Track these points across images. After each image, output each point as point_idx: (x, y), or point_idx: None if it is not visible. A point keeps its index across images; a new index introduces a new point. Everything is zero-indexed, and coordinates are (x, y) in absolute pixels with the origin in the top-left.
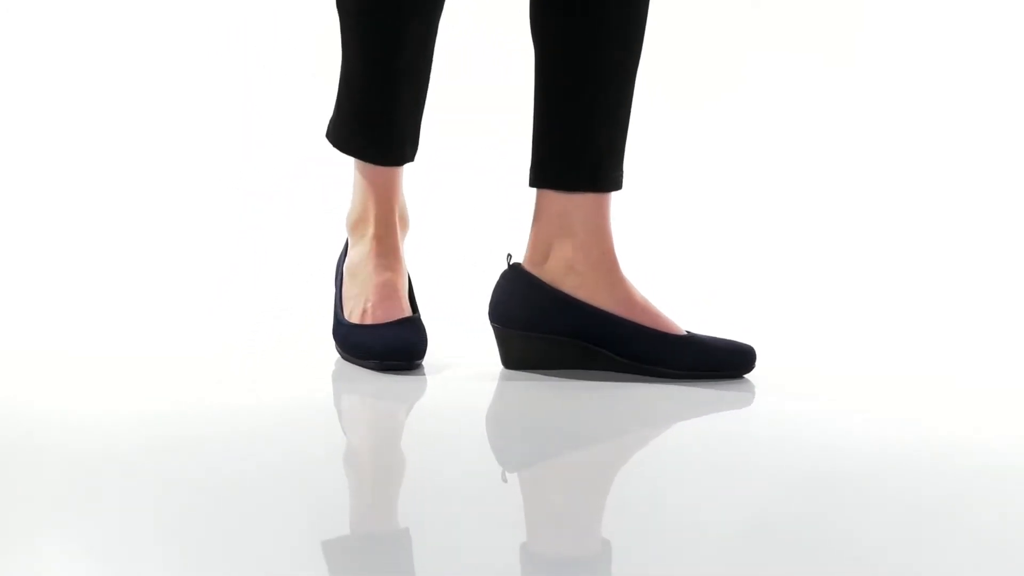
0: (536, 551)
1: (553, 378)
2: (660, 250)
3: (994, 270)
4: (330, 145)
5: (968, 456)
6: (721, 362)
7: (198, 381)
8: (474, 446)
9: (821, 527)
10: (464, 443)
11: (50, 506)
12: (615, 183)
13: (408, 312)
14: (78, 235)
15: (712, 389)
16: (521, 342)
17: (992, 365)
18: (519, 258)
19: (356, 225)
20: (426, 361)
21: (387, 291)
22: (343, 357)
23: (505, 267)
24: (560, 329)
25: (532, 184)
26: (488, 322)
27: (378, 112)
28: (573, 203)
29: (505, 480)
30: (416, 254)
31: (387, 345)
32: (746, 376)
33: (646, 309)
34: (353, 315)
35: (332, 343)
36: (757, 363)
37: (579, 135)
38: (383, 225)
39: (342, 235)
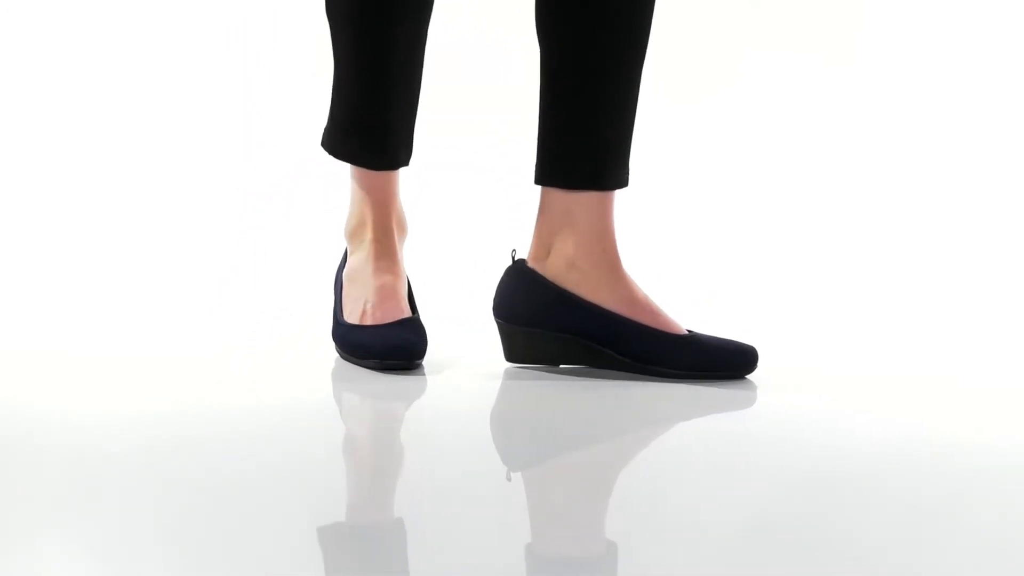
0: (538, 551)
1: (553, 378)
2: (660, 249)
3: (995, 270)
4: (326, 153)
5: (969, 456)
6: (721, 362)
7: (198, 381)
8: (474, 446)
9: (822, 527)
10: (464, 443)
11: (50, 506)
12: (619, 182)
13: (408, 313)
14: (78, 235)
15: (713, 389)
16: (524, 338)
17: (994, 365)
18: (523, 254)
19: (354, 232)
20: (426, 361)
21: (386, 292)
22: (343, 357)
23: (509, 263)
24: (562, 326)
25: (537, 182)
26: (489, 320)
27: (370, 117)
28: (576, 201)
29: (509, 479)
30: (416, 254)
31: (387, 345)
32: (747, 376)
33: (647, 308)
34: (352, 317)
35: (332, 343)
36: (759, 363)
37: (582, 134)
38: (381, 230)
39: (342, 235)
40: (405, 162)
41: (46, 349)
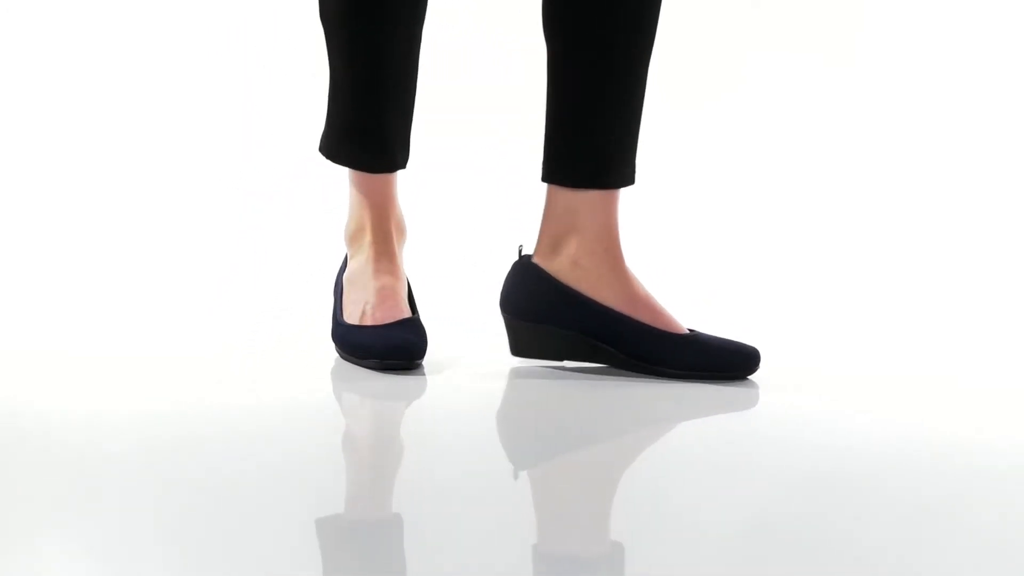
0: (540, 551)
1: (554, 378)
2: (661, 249)
3: (995, 270)
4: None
5: (970, 456)
6: (722, 362)
7: (198, 381)
8: (474, 446)
9: (822, 527)
10: (464, 443)
11: (50, 506)
12: (622, 180)
13: (408, 313)
14: (78, 235)
15: (714, 389)
16: (529, 333)
17: (994, 366)
18: (531, 250)
19: (354, 236)
20: (426, 361)
21: (386, 293)
22: (343, 357)
23: (516, 259)
24: (564, 323)
25: (543, 179)
26: (489, 320)
27: (367, 120)
28: (579, 199)
29: (516, 477)
30: (416, 254)
31: (387, 345)
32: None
33: (648, 306)
34: (352, 318)
35: (332, 344)
36: (760, 365)
37: (584, 133)
38: (380, 233)
39: (342, 235)
40: (402, 165)
41: (46, 349)
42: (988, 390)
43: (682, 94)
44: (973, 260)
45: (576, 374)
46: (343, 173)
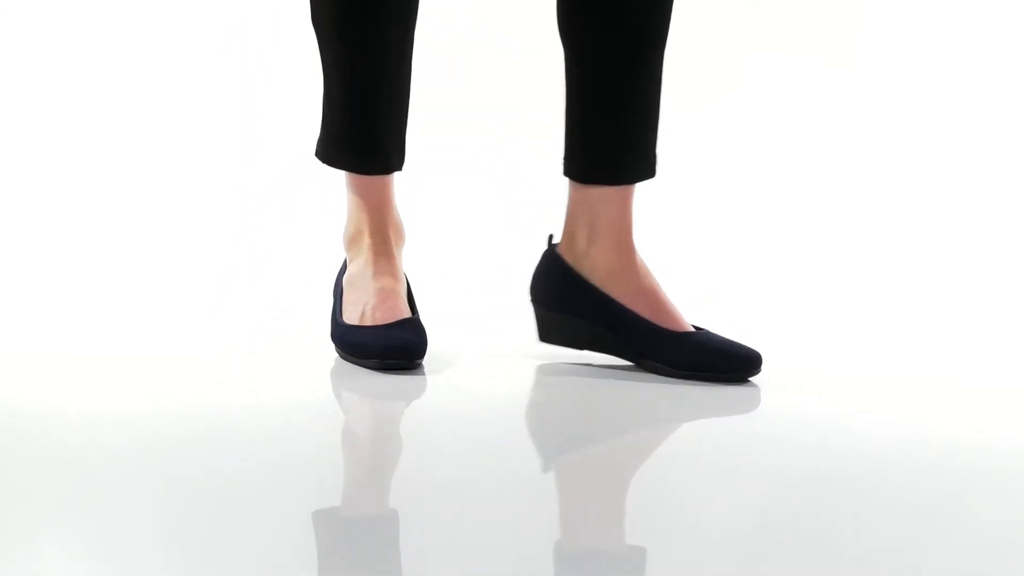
0: (537, 552)
1: (554, 377)
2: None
3: (995, 270)
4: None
5: (970, 456)
6: (719, 363)
7: (198, 381)
8: (474, 446)
9: (823, 527)
10: (464, 443)
11: (50, 506)
12: (632, 176)
13: (407, 313)
14: (78, 235)
15: (713, 389)
16: (553, 321)
17: (994, 366)
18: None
19: (352, 240)
20: (426, 361)
21: (386, 293)
22: (343, 357)
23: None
24: (578, 312)
25: (563, 174)
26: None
27: (360, 123)
28: (591, 193)
29: (545, 471)
30: (415, 254)
31: (387, 344)
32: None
33: (651, 301)
34: (352, 319)
35: (332, 344)
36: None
37: (593, 132)
38: (379, 236)
39: (340, 239)
40: (398, 167)
41: (46, 349)
42: (988, 390)
43: (682, 94)
44: (973, 260)
45: (577, 374)
46: (342, 174)
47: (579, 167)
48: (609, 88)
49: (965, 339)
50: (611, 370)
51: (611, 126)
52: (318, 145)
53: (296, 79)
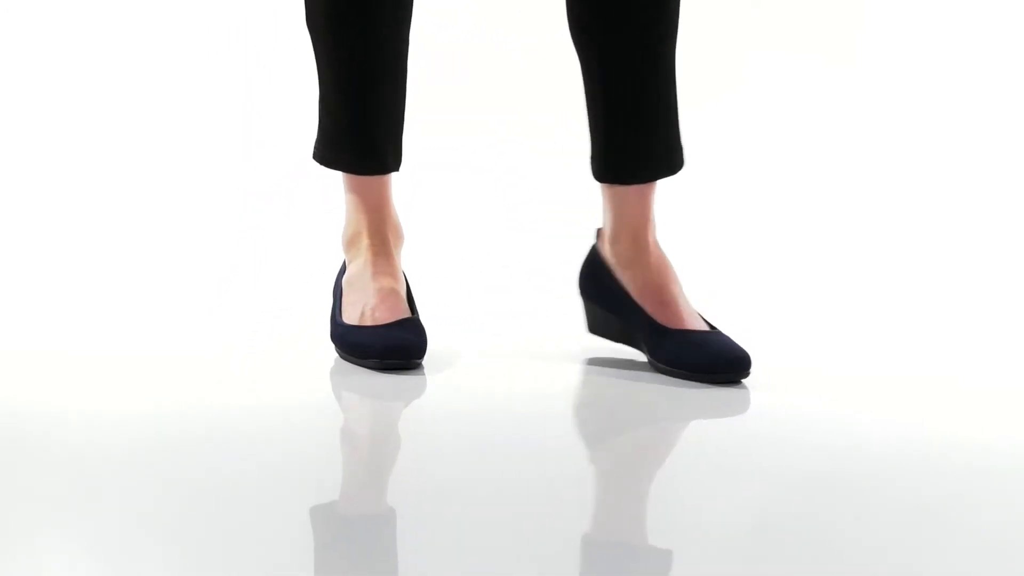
0: (537, 552)
1: (555, 377)
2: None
3: (994, 270)
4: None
5: (970, 456)
6: (698, 363)
7: (198, 381)
8: (474, 446)
9: (822, 527)
10: (464, 443)
11: (50, 506)
12: (639, 176)
13: (407, 313)
14: (78, 235)
15: (714, 389)
16: (596, 312)
17: (994, 365)
18: None
19: (351, 242)
20: (426, 361)
21: (385, 293)
22: (343, 357)
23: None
24: (607, 306)
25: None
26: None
27: (355, 124)
28: (614, 191)
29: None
30: (415, 254)
31: (387, 344)
32: (747, 376)
33: (656, 296)
34: (352, 319)
35: (332, 343)
36: (755, 368)
37: (600, 134)
38: (377, 237)
39: (340, 246)
40: (395, 167)
41: (46, 349)
42: (988, 390)
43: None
44: (973, 260)
45: (578, 373)
46: (340, 175)
47: (596, 167)
48: (612, 90)
49: (965, 339)
50: (612, 369)
51: (617, 127)
52: (315, 147)
53: (296, 79)
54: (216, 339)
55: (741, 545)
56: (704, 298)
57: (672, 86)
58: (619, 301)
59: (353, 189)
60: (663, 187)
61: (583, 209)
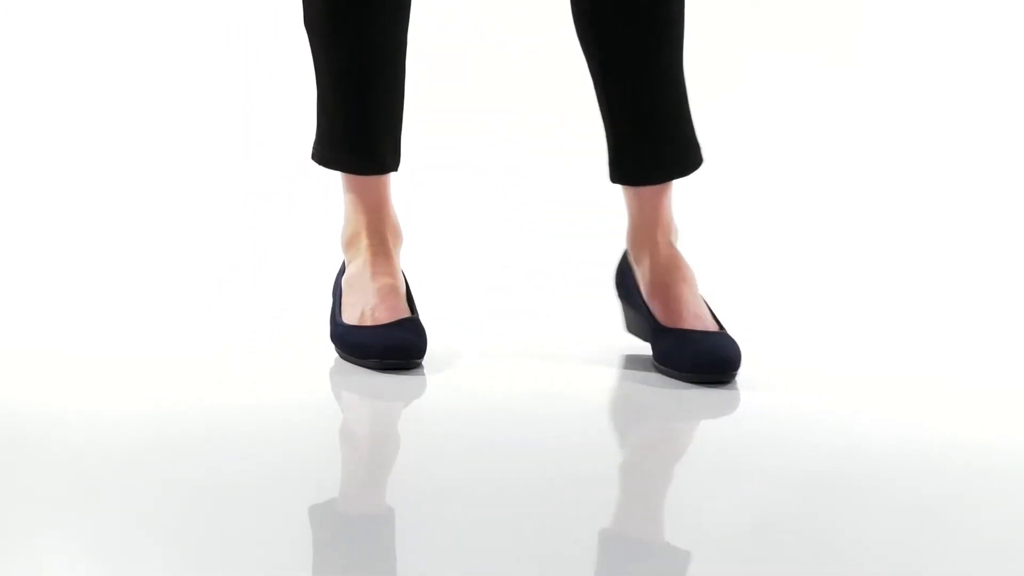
0: (537, 552)
1: (555, 377)
2: None
3: (994, 270)
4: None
5: (970, 456)
6: (680, 362)
7: (198, 381)
8: (473, 446)
9: (823, 527)
10: (464, 443)
11: (50, 506)
12: (648, 178)
13: (407, 313)
14: (78, 235)
15: (714, 390)
16: (628, 311)
17: (994, 365)
18: None
19: (350, 242)
20: (426, 360)
21: (385, 293)
22: (342, 357)
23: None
24: (632, 304)
25: None
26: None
27: (354, 123)
28: (627, 191)
29: (544, 472)
30: (415, 254)
31: (387, 344)
32: (747, 376)
33: (660, 294)
34: (352, 319)
35: (332, 343)
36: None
37: (611, 136)
38: (376, 237)
39: (339, 247)
40: (393, 167)
41: (46, 349)
42: (988, 390)
43: None
44: (973, 260)
45: (578, 373)
46: (340, 175)
47: (611, 170)
48: (613, 94)
49: (965, 339)
50: (613, 369)
51: (622, 130)
52: (314, 147)
53: (296, 79)
54: (216, 339)
55: (741, 545)
56: (703, 297)
57: (677, 88)
58: (638, 300)
59: (352, 189)
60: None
61: (583, 209)
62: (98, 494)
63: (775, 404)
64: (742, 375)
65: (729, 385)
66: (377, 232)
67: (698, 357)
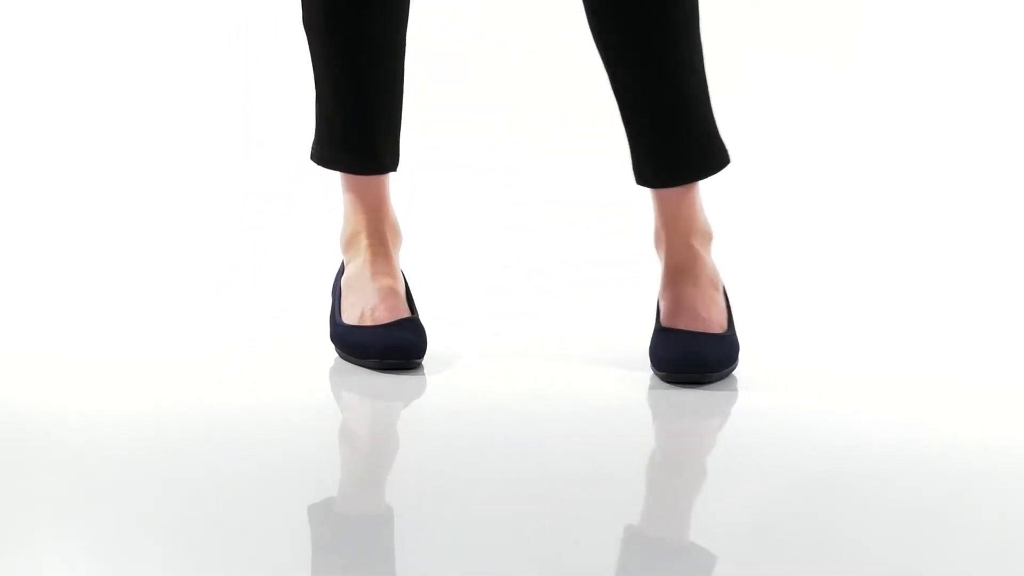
0: (537, 552)
1: (556, 377)
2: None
3: (995, 270)
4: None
5: (970, 456)
6: (660, 362)
7: (198, 381)
8: (473, 446)
9: (823, 527)
10: (464, 443)
11: (50, 506)
12: (664, 181)
13: (407, 313)
14: (78, 235)
15: (714, 390)
16: None
17: (994, 365)
18: None
19: (350, 242)
20: (426, 361)
21: (385, 293)
22: (342, 357)
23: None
24: None
25: None
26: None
27: (353, 123)
28: (651, 194)
29: (544, 472)
30: (415, 254)
31: (387, 344)
32: (747, 376)
33: (670, 296)
34: (351, 319)
35: (332, 343)
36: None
37: (628, 135)
38: (376, 237)
39: (337, 242)
40: (392, 167)
41: (46, 349)
42: (988, 390)
43: None
44: (973, 260)
45: (579, 374)
46: (339, 175)
47: (634, 172)
48: (623, 97)
49: (965, 339)
50: (613, 369)
51: (636, 131)
52: (312, 148)
53: (296, 79)
54: (216, 339)
55: (741, 545)
56: (724, 300)
57: (689, 91)
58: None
59: (351, 189)
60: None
61: (583, 209)
62: (98, 494)
63: (775, 404)
64: (742, 375)
65: (729, 385)
66: (377, 232)
67: (673, 356)
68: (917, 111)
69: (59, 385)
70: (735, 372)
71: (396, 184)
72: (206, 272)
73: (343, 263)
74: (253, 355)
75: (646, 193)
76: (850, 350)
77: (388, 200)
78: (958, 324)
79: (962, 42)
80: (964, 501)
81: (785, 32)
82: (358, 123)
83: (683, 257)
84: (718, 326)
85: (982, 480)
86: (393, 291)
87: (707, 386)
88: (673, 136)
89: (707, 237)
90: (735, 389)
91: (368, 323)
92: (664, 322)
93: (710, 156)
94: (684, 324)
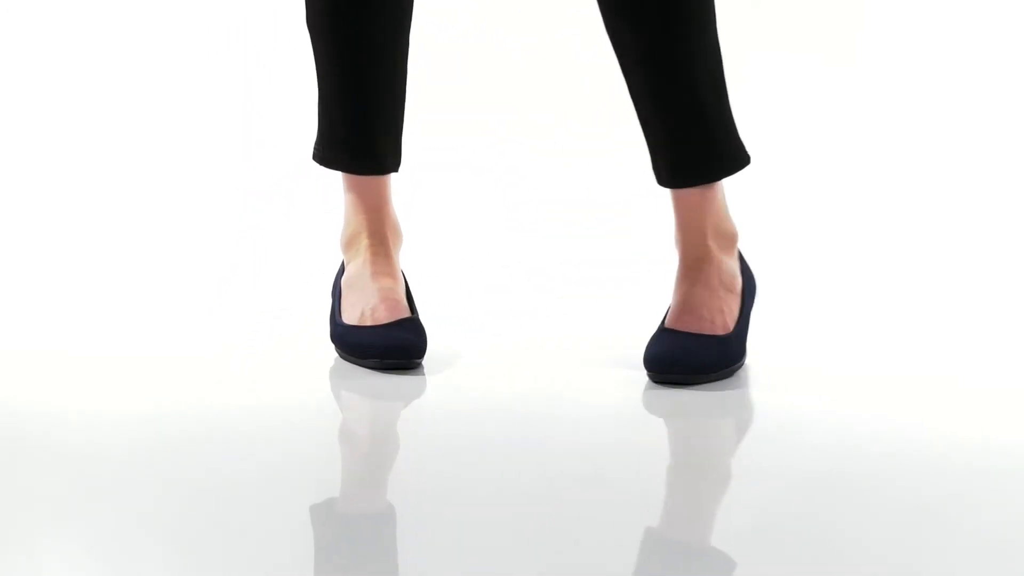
0: (537, 552)
1: (556, 377)
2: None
3: (995, 270)
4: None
5: (970, 456)
6: (648, 361)
7: (198, 381)
8: (473, 446)
9: (823, 527)
10: (464, 443)
11: (50, 506)
12: (681, 181)
13: (407, 313)
14: (78, 235)
15: (714, 391)
16: None
17: (995, 365)
18: None
19: (350, 242)
20: (426, 360)
21: (385, 293)
22: (343, 357)
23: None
24: None
25: None
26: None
27: (355, 123)
28: (672, 193)
29: (543, 472)
30: (415, 254)
31: (387, 344)
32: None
33: (679, 298)
34: (352, 319)
35: (332, 343)
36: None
37: (648, 140)
38: (376, 237)
39: (338, 242)
40: (393, 168)
41: (46, 349)
42: (988, 390)
43: None
44: (973, 260)
45: (579, 374)
46: (340, 175)
47: (653, 172)
48: (636, 96)
49: (965, 339)
50: (613, 369)
51: (651, 132)
52: (314, 147)
53: (296, 79)
54: (216, 339)
55: (741, 545)
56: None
57: (700, 89)
58: None
59: (352, 189)
60: (658, 188)
61: (583, 209)
62: (98, 494)
63: (775, 404)
64: (742, 375)
65: (729, 385)
66: (377, 232)
67: (659, 355)
68: (917, 111)
69: (59, 385)
70: (736, 373)
71: (397, 184)
72: (206, 272)
73: (343, 263)
74: (253, 355)
75: (646, 193)
76: (850, 350)
77: (389, 200)
78: (958, 324)
79: (962, 42)
80: (964, 501)
81: (785, 32)
82: (358, 123)
83: (696, 257)
84: (720, 328)
85: (982, 480)
86: (393, 291)
87: (707, 386)
88: (690, 136)
89: (729, 238)
90: (735, 389)
91: (368, 323)
92: (667, 322)
93: (727, 156)
94: (684, 325)
